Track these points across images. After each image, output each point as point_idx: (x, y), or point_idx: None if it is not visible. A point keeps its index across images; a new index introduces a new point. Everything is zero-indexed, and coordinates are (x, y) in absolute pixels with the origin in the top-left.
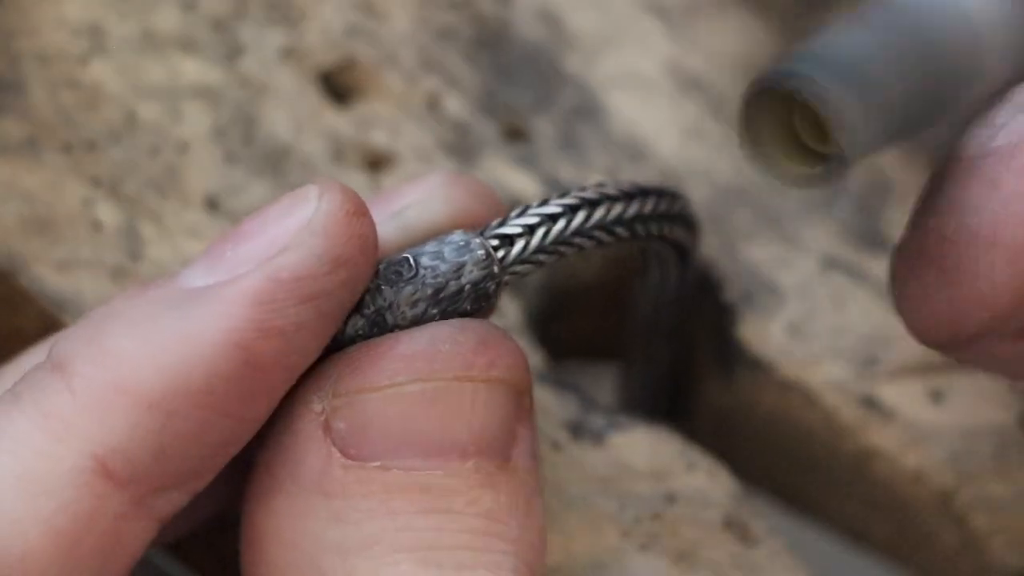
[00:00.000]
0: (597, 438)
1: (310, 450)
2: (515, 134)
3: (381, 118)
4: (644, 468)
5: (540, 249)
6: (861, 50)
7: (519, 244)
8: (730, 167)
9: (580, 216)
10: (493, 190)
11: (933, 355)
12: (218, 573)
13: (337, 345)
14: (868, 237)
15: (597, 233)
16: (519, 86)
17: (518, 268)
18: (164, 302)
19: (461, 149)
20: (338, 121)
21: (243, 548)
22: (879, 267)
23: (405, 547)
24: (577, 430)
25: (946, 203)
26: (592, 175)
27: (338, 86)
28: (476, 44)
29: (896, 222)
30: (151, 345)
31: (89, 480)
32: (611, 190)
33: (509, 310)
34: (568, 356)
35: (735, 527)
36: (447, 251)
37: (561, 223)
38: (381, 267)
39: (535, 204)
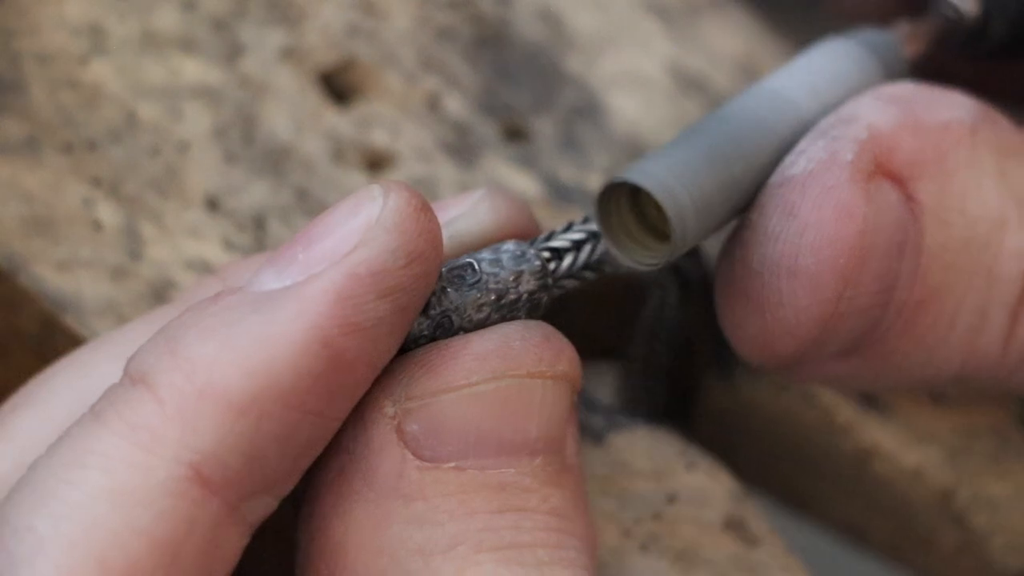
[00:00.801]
0: (597, 438)
1: (385, 454)
2: (515, 134)
3: (381, 118)
4: (644, 468)
5: (586, 265)
6: (688, 154)
7: (568, 259)
8: None
9: None
10: (528, 204)
11: None
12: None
13: (402, 347)
14: None
15: None
16: (519, 86)
17: (564, 282)
18: (240, 308)
19: (461, 149)
20: (338, 121)
21: (313, 558)
22: None
23: (487, 547)
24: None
25: (750, 233)
26: (592, 175)
27: (338, 86)
28: (476, 44)
29: None
30: (235, 350)
31: (185, 488)
32: None
33: None
34: None
35: (735, 527)
36: (505, 259)
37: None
38: (443, 270)
39: (579, 221)
